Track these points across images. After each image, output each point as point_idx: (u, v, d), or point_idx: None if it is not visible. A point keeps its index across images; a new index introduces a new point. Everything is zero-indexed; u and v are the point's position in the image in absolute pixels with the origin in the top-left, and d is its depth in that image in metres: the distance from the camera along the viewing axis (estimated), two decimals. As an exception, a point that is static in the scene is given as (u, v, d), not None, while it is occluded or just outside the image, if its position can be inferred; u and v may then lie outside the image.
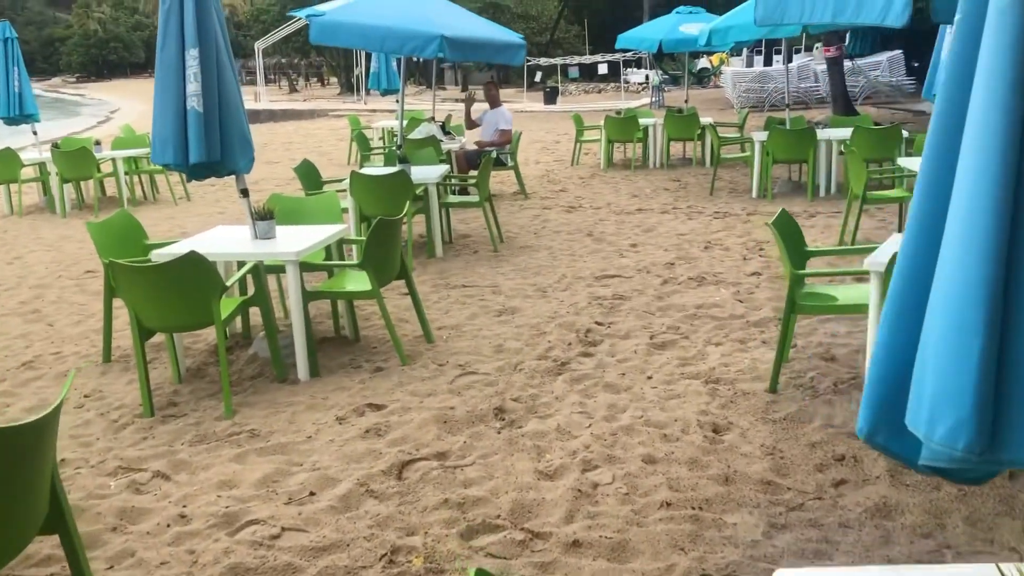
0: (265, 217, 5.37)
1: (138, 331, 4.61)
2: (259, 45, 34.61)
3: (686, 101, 15.15)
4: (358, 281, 5.47)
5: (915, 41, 28.74)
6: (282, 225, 5.62)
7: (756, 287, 6.70)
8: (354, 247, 7.44)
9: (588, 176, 13.49)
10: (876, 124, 11.98)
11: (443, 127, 11.81)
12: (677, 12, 14.28)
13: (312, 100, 41.51)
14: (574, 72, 34.70)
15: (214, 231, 5.93)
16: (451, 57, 7.94)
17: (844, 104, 19.00)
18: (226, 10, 69.30)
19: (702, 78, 38.75)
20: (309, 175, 8.70)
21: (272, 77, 56.73)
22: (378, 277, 5.29)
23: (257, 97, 36.53)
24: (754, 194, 10.97)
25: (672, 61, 44.01)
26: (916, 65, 27.73)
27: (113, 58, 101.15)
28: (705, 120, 14.20)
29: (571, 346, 5.48)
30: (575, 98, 38.06)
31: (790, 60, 36.78)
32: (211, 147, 4.78)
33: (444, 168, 9.07)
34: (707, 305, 6.23)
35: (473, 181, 9.59)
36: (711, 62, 39.70)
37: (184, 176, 5.90)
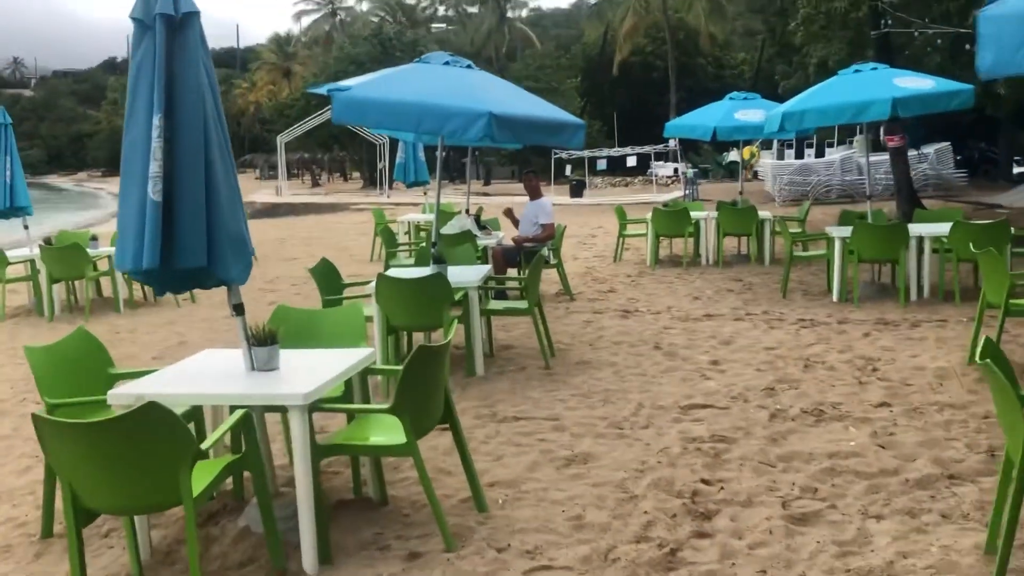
0: (265, 341, 4.01)
1: (73, 513, 3.20)
2: (281, 139, 34.09)
3: (740, 193, 13.91)
4: (388, 430, 4.04)
5: (959, 132, 27.77)
6: (290, 348, 4.28)
7: (893, 424, 5.22)
8: (379, 377, 6.03)
9: (636, 274, 12.15)
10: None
11: (477, 220, 10.56)
12: (731, 98, 13.17)
13: (334, 194, 40.88)
14: (602, 164, 33.87)
15: (200, 357, 4.53)
16: (499, 139, 6.77)
17: (909, 196, 17.66)
18: (251, 106, 70.03)
19: (732, 171, 37.85)
20: (327, 277, 7.44)
21: (296, 171, 56.54)
22: (415, 426, 3.87)
23: (279, 191, 35.88)
24: (835, 297, 9.55)
25: (698, 156, 43.34)
26: (959, 158, 26.66)
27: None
28: (764, 214, 12.92)
29: (677, 520, 4.00)
30: (602, 191, 37.19)
31: (820, 154, 36.15)
32: (183, 249, 3.43)
33: (485, 269, 7.72)
34: (842, 454, 4.74)
35: (516, 283, 8.25)
36: (742, 155, 38.87)
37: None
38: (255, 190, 40.88)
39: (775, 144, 35.61)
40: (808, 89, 10.37)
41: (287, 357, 4.13)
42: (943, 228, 9.16)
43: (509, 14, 61.74)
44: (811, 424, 5.31)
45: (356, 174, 55.50)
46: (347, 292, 7.55)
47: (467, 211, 10.86)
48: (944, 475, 4.36)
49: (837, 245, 9.47)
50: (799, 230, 12.14)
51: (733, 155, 39.79)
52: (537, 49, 58.84)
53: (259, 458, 3.71)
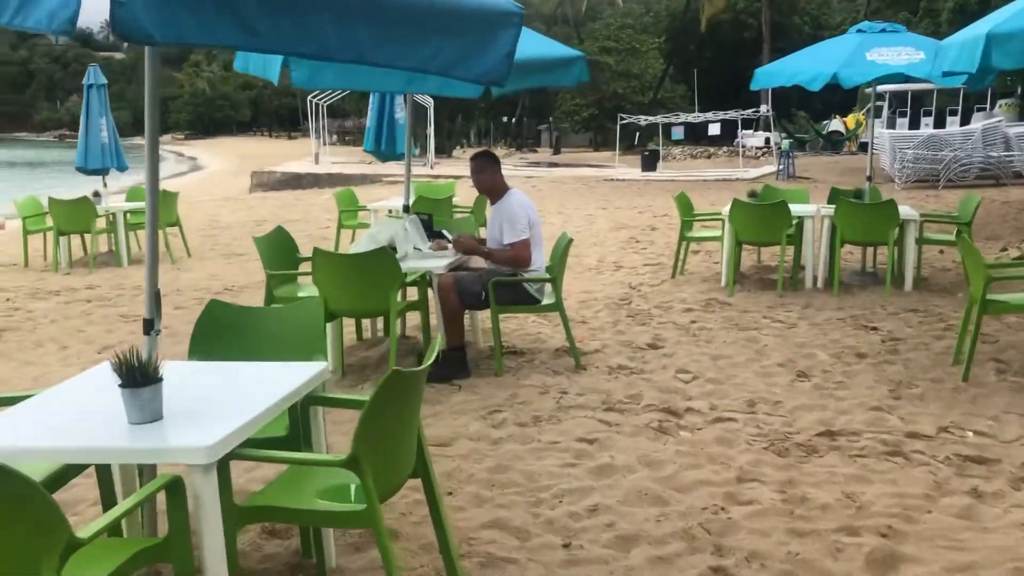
0: (138, 380, 2.44)
1: None
2: (313, 100, 30.18)
3: (869, 179, 9.11)
4: (340, 488, 2.67)
5: None
6: (218, 360, 3.24)
7: None
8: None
9: (701, 306, 7.69)
10: None
11: (427, 225, 6.26)
12: (860, 31, 8.51)
13: (375, 163, 36.87)
14: (678, 133, 28.91)
15: (88, 378, 2.91)
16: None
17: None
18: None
19: (834, 142, 32.44)
20: (277, 249, 6.11)
21: (349, 139, 53.52)
22: (380, 483, 2.52)
23: (317, 159, 32.01)
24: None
25: (792, 124, 37.88)
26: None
27: (219, 116, 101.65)
28: (907, 212, 8.27)
29: None
30: (679, 164, 32.23)
31: (941, 123, 30.33)
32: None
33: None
34: None
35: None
36: (845, 124, 33.43)
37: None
38: (301, 157, 37.18)
39: (884, 112, 30.14)
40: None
41: (202, 378, 2.99)
42: None
43: (590, -30, 56.91)
44: None
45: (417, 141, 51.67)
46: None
47: (407, 208, 6.55)
48: None
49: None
50: (961, 236, 7.39)
51: (835, 124, 34.31)
52: (619, 7, 54.11)
53: (186, 544, 2.27)
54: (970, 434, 4.46)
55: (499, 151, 53.38)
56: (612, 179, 24.97)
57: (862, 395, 5.12)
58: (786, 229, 8.16)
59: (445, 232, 6.22)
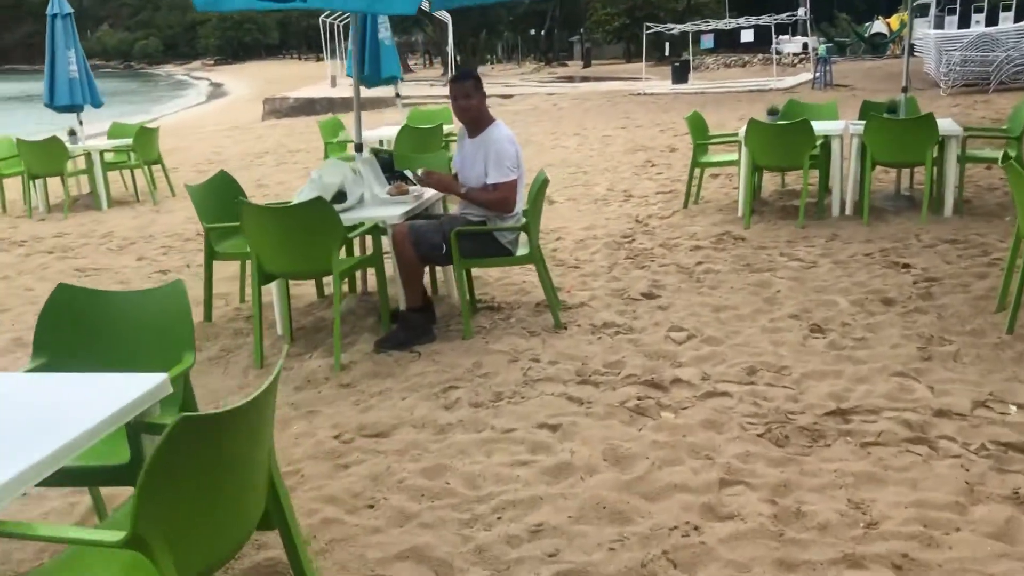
0: None
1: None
2: (329, 20, 28.99)
3: (905, 90, 8.06)
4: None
5: None
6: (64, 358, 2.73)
7: None
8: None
9: (712, 242, 6.87)
10: None
11: (387, 164, 5.48)
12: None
13: (409, 83, 35.73)
14: (707, 41, 27.34)
15: None
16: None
17: None
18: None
19: (877, 46, 30.62)
20: (220, 197, 5.37)
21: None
22: (189, 560, 1.83)
23: (333, 82, 30.98)
24: None
25: (832, 27, 35.82)
26: None
27: (248, 40, 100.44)
28: (949, 126, 7.30)
29: None
30: (712, 74, 30.74)
31: (994, 20, 28.29)
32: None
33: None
34: None
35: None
36: (889, 25, 31.49)
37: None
38: (318, 80, 36.14)
39: (931, 10, 28.23)
40: None
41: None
42: None
43: None
44: None
45: (439, 59, 50.29)
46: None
47: (359, 148, 5.75)
48: None
49: None
50: (1009, 162, 6.43)
51: (878, 25, 32.37)
52: None
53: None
54: (1013, 409, 3.68)
55: (527, 66, 51.67)
56: (639, 93, 23.74)
57: (885, 356, 4.34)
58: (808, 152, 7.25)
59: (408, 173, 5.44)
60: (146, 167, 10.46)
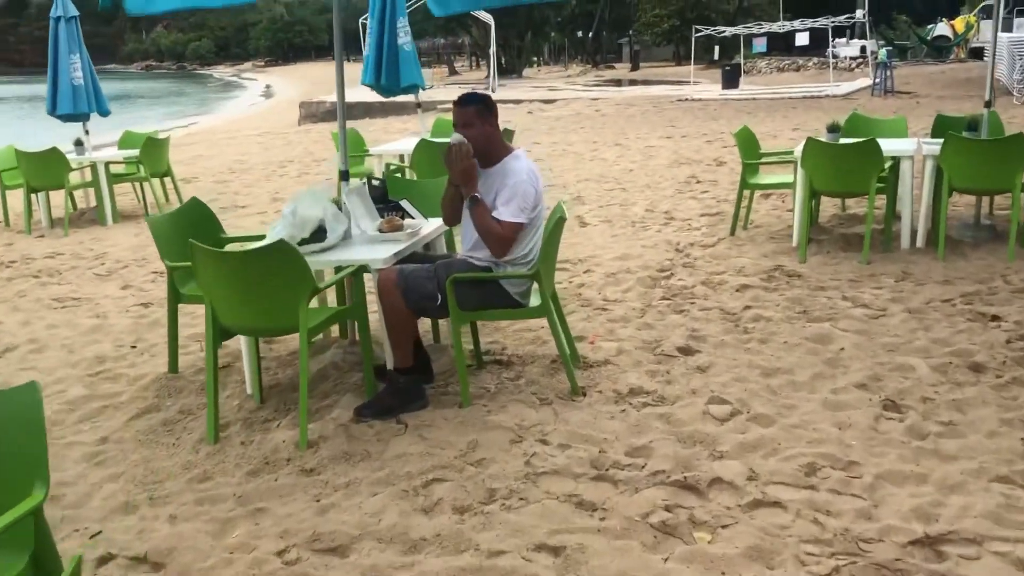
0: None
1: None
2: (365, 21, 28.42)
3: (987, 104, 7.03)
4: None
5: None
6: None
7: None
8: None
9: (762, 275, 5.99)
10: None
11: (381, 186, 4.70)
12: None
13: (448, 86, 35.10)
14: (759, 45, 26.22)
15: None
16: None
17: None
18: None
19: (940, 49, 29.18)
20: (190, 230, 4.71)
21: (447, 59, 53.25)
22: None
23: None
24: None
25: (892, 29, 34.36)
26: None
27: (298, 41, 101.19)
28: (1040, 148, 6.31)
29: None
30: (765, 78, 29.58)
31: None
32: None
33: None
34: None
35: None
36: (953, 27, 30.03)
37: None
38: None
39: (1000, 10, 26.76)
40: None
41: None
42: None
43: None
44: None
45: (485, 62, 49.50)
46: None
47: (346, 175, 4.97)
48: None
49: None
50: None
51: (941, 27, 30.89)
52: None
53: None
54: None
55: (573, 68, 50.69)
56: (686, 99, 22.74)
57: (982, 449, 3.45)
58: (876, 175, 6.33)
59: (405, 204, 4.66)
60: (158, 179, 9.87)
